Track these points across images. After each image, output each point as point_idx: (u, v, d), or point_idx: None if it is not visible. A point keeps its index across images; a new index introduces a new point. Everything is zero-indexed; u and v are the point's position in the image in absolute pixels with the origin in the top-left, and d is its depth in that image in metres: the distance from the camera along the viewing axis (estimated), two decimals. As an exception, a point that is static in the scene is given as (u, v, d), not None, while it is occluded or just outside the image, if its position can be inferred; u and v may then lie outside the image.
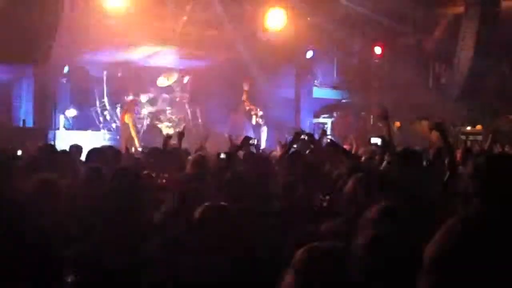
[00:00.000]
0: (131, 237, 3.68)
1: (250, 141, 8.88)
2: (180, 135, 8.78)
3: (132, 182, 4.56)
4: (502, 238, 2.06)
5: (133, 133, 16.45)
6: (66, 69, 16.99)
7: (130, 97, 17.64)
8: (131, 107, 17.27)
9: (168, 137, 8.22)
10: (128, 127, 16.48)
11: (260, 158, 7.29)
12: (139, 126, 17.55)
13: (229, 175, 5.48)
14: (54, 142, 13.22)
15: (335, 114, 19.89)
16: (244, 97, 19.48)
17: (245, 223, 3.70)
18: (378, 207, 3.01)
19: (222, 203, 3.67)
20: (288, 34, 17.84)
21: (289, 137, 8.70)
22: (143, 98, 18.19)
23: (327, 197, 4.63)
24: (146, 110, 18.10)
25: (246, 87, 19.30)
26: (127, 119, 16.59)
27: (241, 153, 8.14)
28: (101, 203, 4.13)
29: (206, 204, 3.58)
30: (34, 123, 15.30)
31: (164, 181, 6.03)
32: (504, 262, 1.96)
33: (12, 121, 15.72)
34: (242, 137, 9.06)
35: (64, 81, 17.18)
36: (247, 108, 19.58)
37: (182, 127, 9.29)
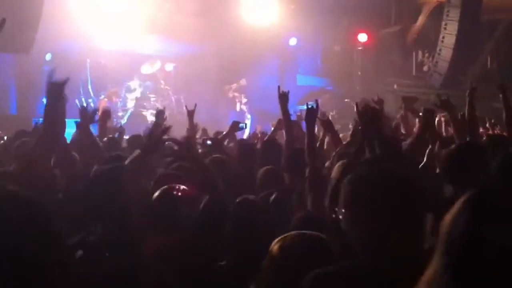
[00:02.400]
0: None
1: (240, 125, 8.78)
2: (160, 113, 8.34)
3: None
4: None
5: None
6: (48, 56, 16.87)
7: (114, 89, 17.56)
8: (110, 97, 17.21)
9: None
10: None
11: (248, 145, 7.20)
12: (122, 113, 17.51)
13: (209, 160, 5.46)
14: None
15: (319, 101, 19.90)
16: (234, 86, 19.51)
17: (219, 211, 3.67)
18: None
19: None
20: (272, 22, 17.87)
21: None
22: (127, 85, 18.14)
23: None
24: (130, 98, 18.05)
25: (242, 83, 19.35)
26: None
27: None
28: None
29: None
30: (17, 111, 15.23)
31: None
32: None
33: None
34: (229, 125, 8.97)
35: (46, 69, 17.05)
36: (231, 95, 19.60)
37: (163, 108, 8.96)
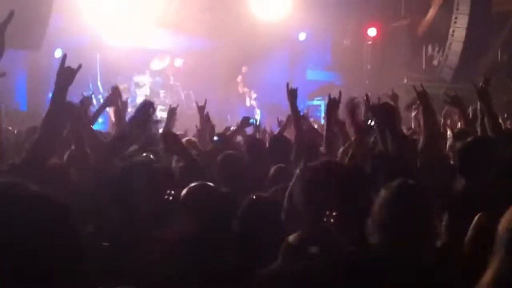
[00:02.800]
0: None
1: (250, 121, 8.75)
2: (172, 112, 8.34)
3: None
4: None
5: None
6: (58, 52, 16.90)
7: (123, 85, 17.55)
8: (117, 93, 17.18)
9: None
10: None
11: (258, 140, 7.14)
12: (131, 110, 17.50)
13: (220, 157, 5.46)
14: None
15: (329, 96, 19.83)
16: (239, 78, 19.48)
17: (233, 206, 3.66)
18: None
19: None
20: (281, 16, 17.85)
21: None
22: (136, 81, 18.17)
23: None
24: (139, 94, 18.07)
25: (244, 70, 19.30)
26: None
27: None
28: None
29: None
30: (27, 107, 15.27)
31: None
32: None
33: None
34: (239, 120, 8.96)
35: (56, 64, 17.07)
36: (241, 90, 19.59)
37: (175, 105, 8.93)
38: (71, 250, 1.68)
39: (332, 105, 5.42)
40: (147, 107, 4.70)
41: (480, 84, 5.69)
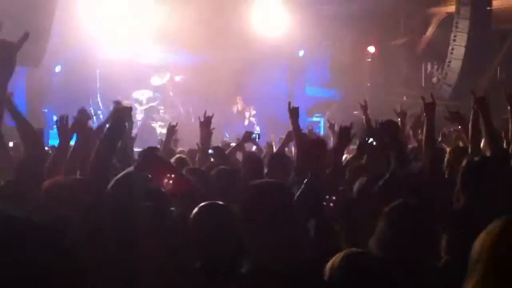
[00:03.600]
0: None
1: (252, 136, 8.72)
2: (171, 129, 8.44)
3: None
4: None
5: None
6: (58, 68, 16.93)
7: (126, 102, 17.53)
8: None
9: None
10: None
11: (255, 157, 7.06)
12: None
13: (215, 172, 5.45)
14: (48, 141, 13.18)
15: (327, 113, 19.86)
16: (238, 99, 19.52)
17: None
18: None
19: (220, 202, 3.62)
20: (280, 33, 17.90)
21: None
22: (136, 97, 18.19)
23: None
24: (139, 109, 18.07)
25: (239, 100, 19.42)
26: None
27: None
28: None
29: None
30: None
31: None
32: None
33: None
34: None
35: (56, 80, 17.10)
36: (241, 107, 19.61)
37: (174, 123, 8.96)
38: (64, 275, 1.67)
39: (344, 134, 5.41)
40: (120, 119, 4.45)
41: (479, 96, 5.65)
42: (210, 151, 7.13)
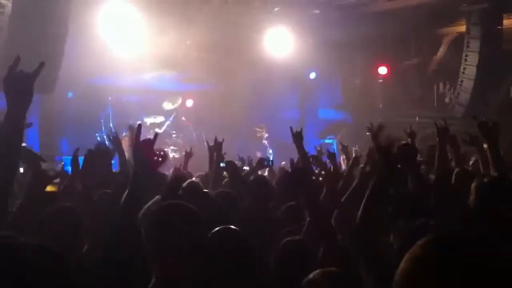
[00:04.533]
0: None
1: (265, 162, 8.77)
2: (187, 156, 8.75)
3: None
4: None
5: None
6: (70, 94, 17.06)
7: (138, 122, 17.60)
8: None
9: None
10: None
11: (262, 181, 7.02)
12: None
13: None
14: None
15: (338, 135, 19.81)
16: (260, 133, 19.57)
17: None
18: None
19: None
20: (290, 56, 17.95)
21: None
22: (148, 122, 18.26)
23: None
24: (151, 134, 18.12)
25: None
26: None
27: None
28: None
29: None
30: (39, 149, 15.32)
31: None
32: None
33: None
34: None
35: (68, 107, 17.22)
36: (258, 135, 19.67)
37: (189, 148, 9.18)
38: None
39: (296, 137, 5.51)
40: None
41: (486, 122, 5.64)
42: (221, 164, 7.20)
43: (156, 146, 3.85)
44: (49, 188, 4.57)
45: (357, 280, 2.94)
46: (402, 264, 1.65)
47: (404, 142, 5.70)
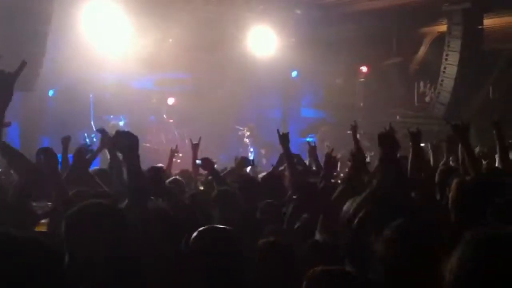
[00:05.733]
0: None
1: (245, 163, 8.79)
2: (173, 153, 8.78)
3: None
4: None
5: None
6: (51, 92, 16.92)
7: (113, 122, 17.46)
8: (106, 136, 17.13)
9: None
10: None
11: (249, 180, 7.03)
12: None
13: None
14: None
15: (318, 133, 19.76)
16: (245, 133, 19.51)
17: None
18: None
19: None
20: (273, 55, 17.98)
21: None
22: (129, 120, 18.16)
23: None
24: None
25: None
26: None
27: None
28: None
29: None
30: (20, 148, 15.19)
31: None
32: None
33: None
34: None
35: (49, 105, 17.07)
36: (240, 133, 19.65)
37: (174, 146, 9.22)
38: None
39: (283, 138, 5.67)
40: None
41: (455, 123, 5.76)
42: (198, 161, 7.24)
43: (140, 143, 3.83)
44: (38, 229, 4.57)
45: (357, 280, 2.97)
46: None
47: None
